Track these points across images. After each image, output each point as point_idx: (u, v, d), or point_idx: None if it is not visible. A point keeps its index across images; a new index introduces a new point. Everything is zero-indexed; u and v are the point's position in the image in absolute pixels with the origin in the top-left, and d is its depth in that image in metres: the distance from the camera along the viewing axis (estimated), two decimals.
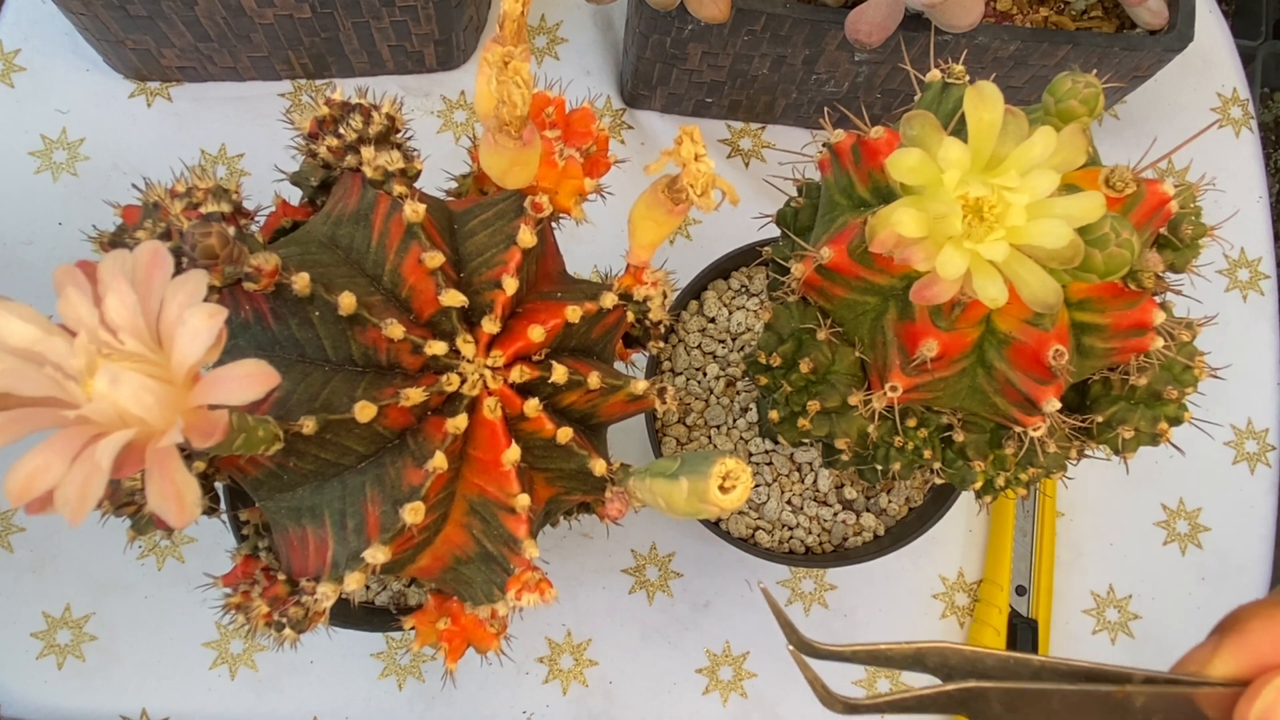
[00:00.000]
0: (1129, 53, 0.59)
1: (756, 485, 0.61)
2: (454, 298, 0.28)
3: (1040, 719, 0.32)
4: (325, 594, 0.28)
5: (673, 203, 0.29)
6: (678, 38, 0.60)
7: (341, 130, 0.31)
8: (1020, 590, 0.65)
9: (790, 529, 0.61)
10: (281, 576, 0.30)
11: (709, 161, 0.28)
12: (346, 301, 0.27)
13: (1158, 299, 0.37)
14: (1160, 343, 0.37)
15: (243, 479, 0.30)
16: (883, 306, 0.39)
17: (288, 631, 0.29)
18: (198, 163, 0.69)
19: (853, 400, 0.41)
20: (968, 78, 0.39)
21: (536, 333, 0.29)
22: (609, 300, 0.31)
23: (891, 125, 0.37)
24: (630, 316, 0.32)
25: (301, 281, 0.27)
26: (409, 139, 0.33)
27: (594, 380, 0.29)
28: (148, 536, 0.63)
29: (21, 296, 0.70)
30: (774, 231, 0.46)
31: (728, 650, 0.65)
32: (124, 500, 0.29)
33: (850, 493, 0.61)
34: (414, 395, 0.27)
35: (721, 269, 0.62)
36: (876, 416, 0.40)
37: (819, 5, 0.57)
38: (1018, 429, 0.40)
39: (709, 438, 0.61)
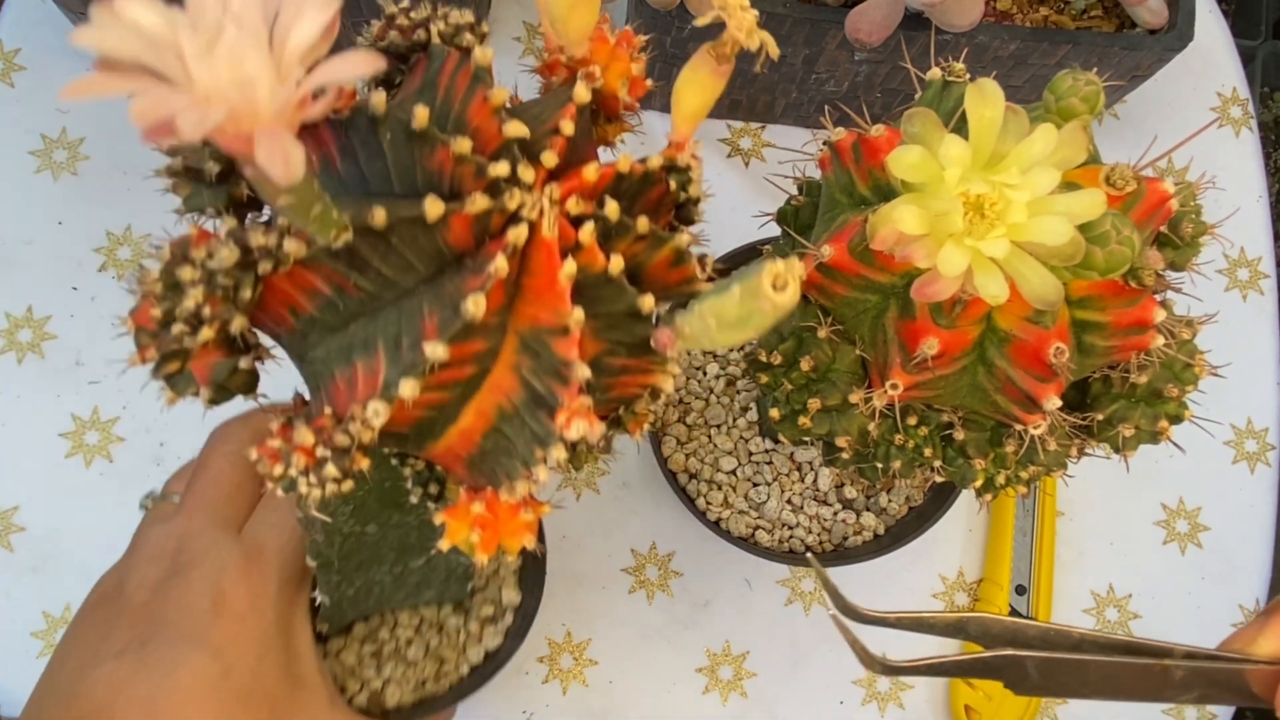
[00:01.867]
0: (1129, 52, 0.59)
1: (756, 484, 0.61)
2: (517, 128, 0.28)
3: (1076, 686, 0.32)
4: (375, 411, 0.27)
5: (716, 60, 0.29)
6: (678, 38, 0.60)
7: (412, 13, 0.31)
8: (1020, 590, 0.65)
9: (790, 528, 0.61)
10: (328, 411, 0.29)
11: (752, 11, 0.28)
12: (420, 113, 0.27)
13: (1158, 297, 0.37)
14: (1161, 341, 0.37)
15: (294, 322, 0.29)
16: (883, 304, 0.39)
17: (330, 469, 0.28)
18: None
19: (853, 398, 0.41)
20: (968, 76, 0.39)
21: (591, 170, 0.29)
22: (655, 161, 0.31)
23: (892, 123, 0.37)
24: (674, 186, 0.32)
25: (378, 99, 0.27)
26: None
27: (642, 224, 0.29)
28: None
29: (21, 296, 0.70)
30: (774, 230, 0.46)
31: (728, 650, 0.65)
32: (170, 349, 0.28)
33: (850, 492, 0.61)
34: (480, 201, 0.27)
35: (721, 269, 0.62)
36: (877, 414, 0.40)
37: (819, 5, 0.57)
38: (1018, 427, 0.40)
39: (709, 437, 0.61)
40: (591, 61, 0.31)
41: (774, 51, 0.28)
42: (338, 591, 0.46)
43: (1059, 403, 0.37)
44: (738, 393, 0.62)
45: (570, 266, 0.27)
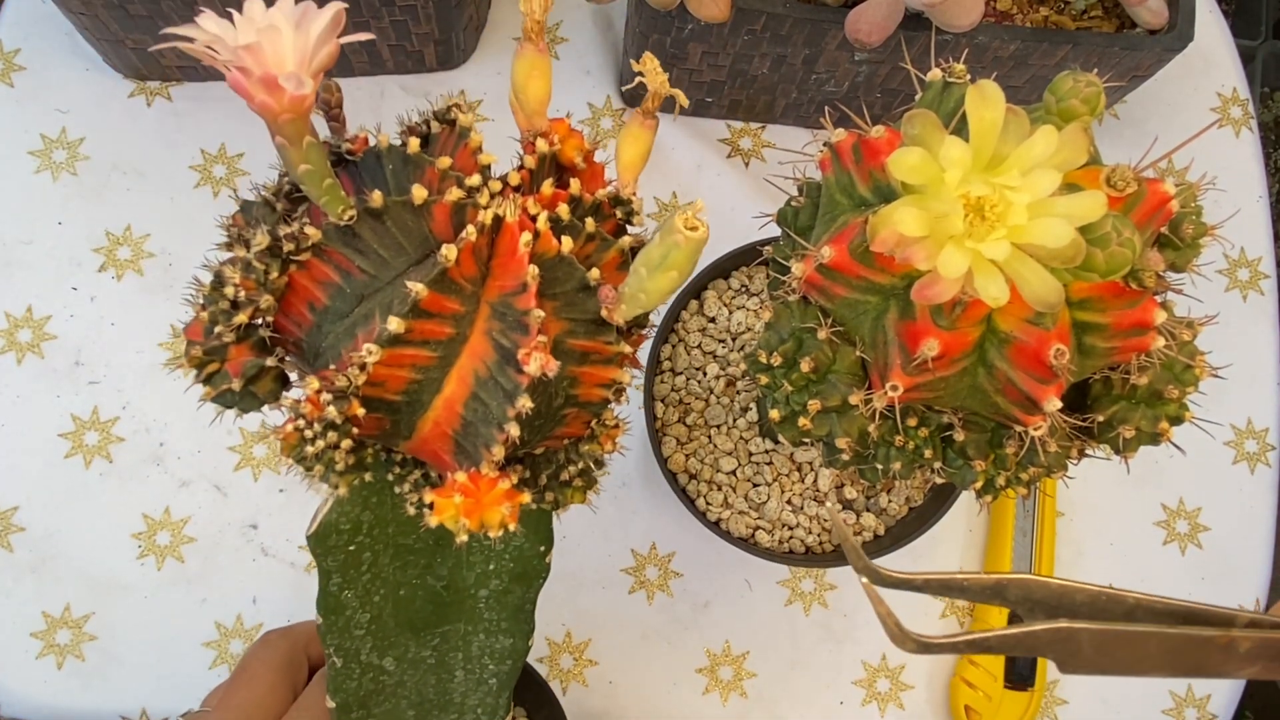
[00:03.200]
0: (1129, 52, 0.59)
1: (756, 485, 0.61)
2: (488, 157, 0.35)
3: (1132, 663, 0.29)
4: (369, 350, 0.31)
5: (643, 116, 0.36)
6: (678, 37, 0.60)
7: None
8: None
9: (790, 529, 0.61)
10: (332, 368, 0.34)
11: (663, 75, 0.35)
12: (413, 142, 0.34)
13: (1158, 298, 0.37)
14: (1161, 342, 0.37)
15: (314, 316, 0.34)
16: (884, 306, 0.39)
17: (331, 410, 0.32)
18: (200, 163, 0.69)
19: (853, 399, 0.41)
20: (969, 77, 0.39)
21: (547, 186, 0.35)
22: (604, 192, 0.37)
23: (892, 124, 0.37)
24: (620, 215, 0.38)
25: (383, 139, 0.34)
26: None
27: (590, 225, 0.35)
28: (148, 535, 0.63)
29: (21, 297, 0.70)
30: (774, 231, 0.46)
31: (728, 650, 0.65)
32: (212, 346, 0.34)
33: (850, 492, 0.61)
34: (455, 192, 0.33)
35: (721, 269, 0.62)
36: (877, 416, 0.40)
37: (819, 5, 0.57)
38: (1018, 428, 0.40)
39: (709, 437, 0.61)
40: (552, 133, 0.37)
41: (684, 102, 0.36)
42: None
43: (1059, 404, 0.37)
44: (738, 393, 0.62)
45: (527, 236, 0.33)
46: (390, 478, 0.39)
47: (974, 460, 0.43)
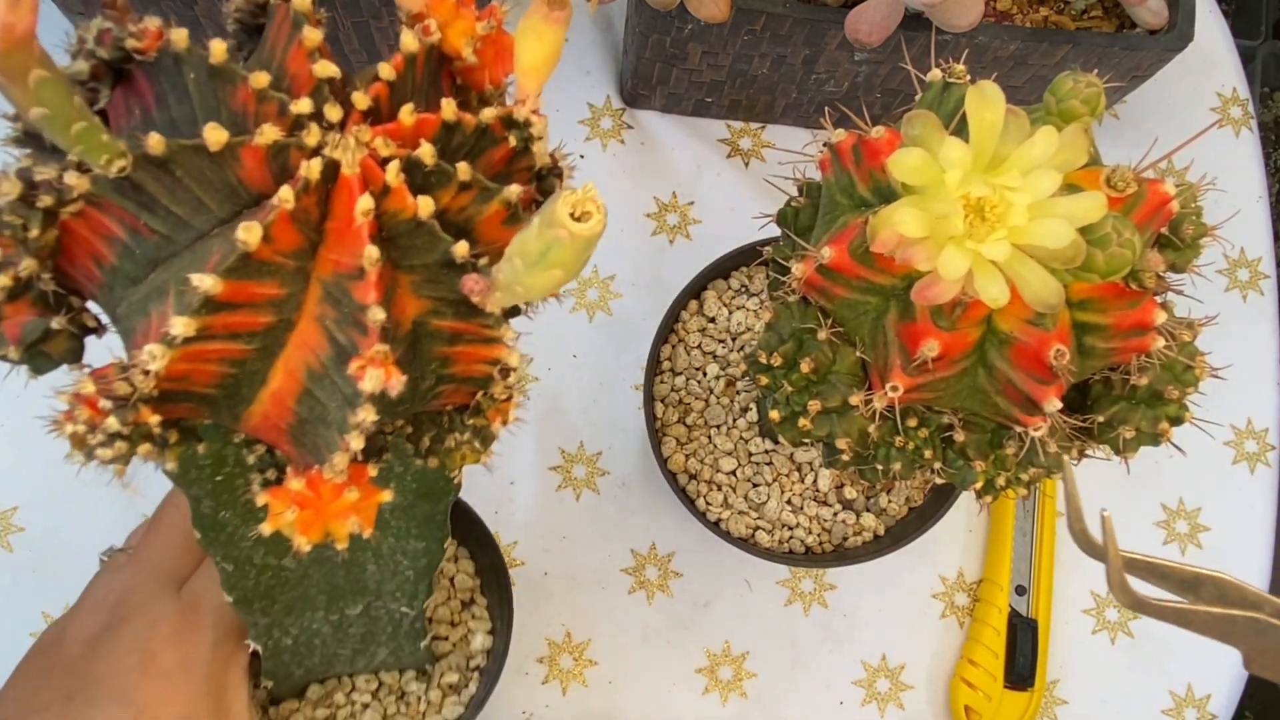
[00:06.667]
0: (1129, 53, 0.59)
1: (756, 485, 0.61)
2: (325, 68, 0.26)
3: None
4: (152, 354, 0.25)
5: (548, 5, 0.28)
6: (677, 37, 0.60)
7: None
8: (1020, 590, 0.65)
9: (790, 529, 0.61)
10: (115, 360, 0.27)
11: None
12: (217, 47, 0.26)
13: (1159, 299, 0.37)
14: (1161, 343, 0.37)
15: (100, 277, 0.28)
16: (884, 306, 0.39)
17: (111, 421, 0.25)
18: None
19: (854, 400, 0.41)
20: (969, 77, 0.39)
21: (406, 112, 0.26)
22: (488, 114, 0.28)
23: (892, 125, 0.37)
24: (514, 142, 0.29)
25: (179, 35, 0.26)
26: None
27: (463, 171, 0.27)
28: None
29: None
30: (774, 231, 0.46)
31: (728, 650, 0.65)
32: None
33: (850, 492, 0.61)
34: (269, 132, 0.25)
35: (721, 269, 0.62)
36: (877, 416, 0.40)
37: (819, 5, 0.57)
38: (1019, 429, 0.40)
39: (709, 437, 0.61)
40: (428, 15, 0.29)
41: None
42: (270, 638, 0.45)
43: (1059, 405, 0.37)
44: (738, 393, 0.62)
45: (366, 202, 0.25)
46: (236, 441, 0.34)
47: (974, 461, 0.43)
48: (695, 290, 0.62)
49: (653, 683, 0.64)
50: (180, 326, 0.25)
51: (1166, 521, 0.69)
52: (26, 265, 0.26)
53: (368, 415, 0.26)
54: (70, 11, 0.59)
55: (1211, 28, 0.75)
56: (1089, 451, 0.43)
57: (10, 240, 0.26)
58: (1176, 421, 0.41)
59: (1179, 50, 0.59)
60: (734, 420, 0.61)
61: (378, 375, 0.25)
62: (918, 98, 0.40)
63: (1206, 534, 0.69)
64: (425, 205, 0.26)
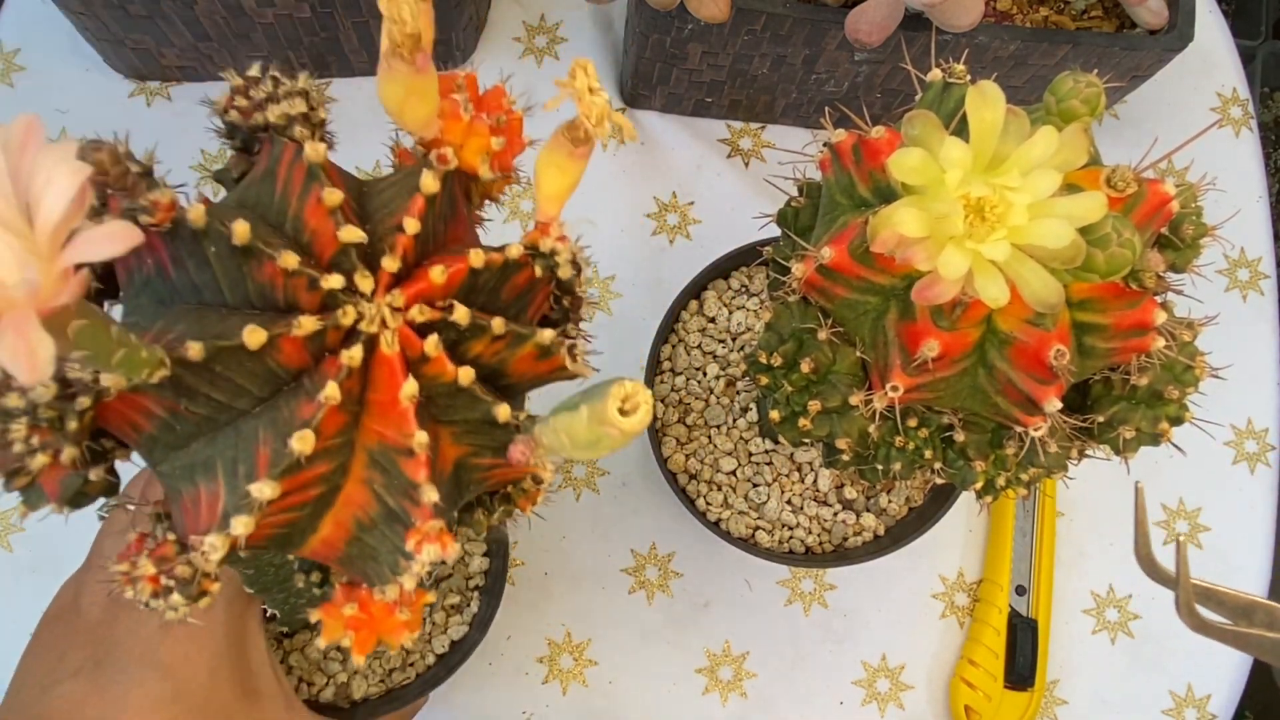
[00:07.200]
0: (1129, 53, 0.59)
1: (756, 485, 0.61)
2: (351, 234, 0.27)
3: None
4: (213, 545, 0.26)
5: (572, 144, 0.28)
6: (678, 37, 0.60)
7: (252, 92, 0.30)
8: (1020, 590, 0.65)
9: (790, 529, 0.61)
10: (171, 537, 0.28)
11: (604, 94, 0.27)
12: (240, 229, 0.26)
13: (1159, 299, 0.37)
14: (1161, 343, 0.37)
15: (138, 438, 0.28)
16: (884, 306, 0.39)
17: (176, 598, 0.27)
18: (199, 162, 0.69)
19: (854, 400, 0.41)
20: (969, 77, 0.39)
21: (438, 273, 0.27)
22: (514, 250, 0.29)
23: (892, 125, 0.37)
24: (539, 271, 0.30)
25: (196, 212, 0.26)
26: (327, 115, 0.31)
27: (498, 325, 0.28)
28: None
29: None
30: (774, 231, 0.46)
31: (728, 650, 0.65)
32: (13, 467, 0.27)
33: (850, 493, 0.61)
34: (307, 324, 0.25)
35: (721, 269, 0.62)
36: (877, 416, 0.40)
37: (819, 5, 0.57)
38: (1019, 429, 0.40)
39: (709, 437, 0.61)
40: (444, 143, 0.29)
41: (631, 135, 0.28)
42: (287, 605, 0.46)
43: (1059, 405, 0.37)
44: (738, 393, 0.62)
45: (411, 387, 0.26)
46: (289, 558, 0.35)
47: (974, 461, 0.43)
48: (695, 290, 0.62)
49: (653, 683, 0.64)
50: (241, 526, 0.26)
51: (1166, 522, 0.69)
52: (69, 454, 0.27)
53: (421, 569, 0.27)
54: (70, 11, 0.59)
55: (1211, 28, 0.75)
56: (1089, 451, 0.43)
57: (48, 430, 0.27)
58: (1176, 421, 0.41)
59: (1179, 50, 0.59)
60: (734, 420, 0.61)
61: (434, 550, 0.26)
62: (918, 98, 0.40)
63: (1206, 534, 0.69)
64: (465, 375, 0.27)
